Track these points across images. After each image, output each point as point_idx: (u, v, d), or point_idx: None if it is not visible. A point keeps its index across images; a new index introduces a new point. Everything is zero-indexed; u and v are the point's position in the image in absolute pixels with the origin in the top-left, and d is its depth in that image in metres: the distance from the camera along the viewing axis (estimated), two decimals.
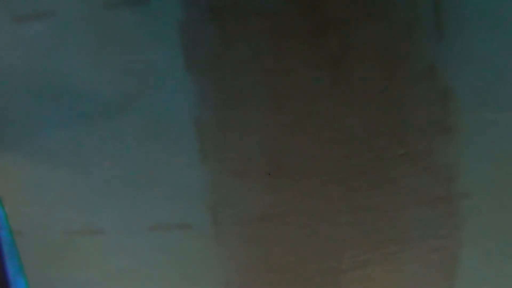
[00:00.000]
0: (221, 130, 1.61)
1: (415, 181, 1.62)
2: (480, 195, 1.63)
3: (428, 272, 1.73)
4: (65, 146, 1.64)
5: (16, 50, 1.56)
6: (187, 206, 1.68)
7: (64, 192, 1.69)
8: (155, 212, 1.69)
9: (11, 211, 1.67)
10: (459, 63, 1.52)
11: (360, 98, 1.56)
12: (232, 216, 1.68)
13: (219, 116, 1.59)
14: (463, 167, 1.61)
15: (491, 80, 1.53)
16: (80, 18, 1.53)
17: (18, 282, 1.41)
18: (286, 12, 1.50)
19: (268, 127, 1.60)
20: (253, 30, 1.52)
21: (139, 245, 1.73)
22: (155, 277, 1.76)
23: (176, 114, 1.59)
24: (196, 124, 1.60)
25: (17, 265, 1.42)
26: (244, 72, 1.55)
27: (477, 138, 1.58)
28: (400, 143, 1.59)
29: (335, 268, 1.72)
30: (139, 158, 1.64)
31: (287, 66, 1.54)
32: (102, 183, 1.67)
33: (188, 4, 1.50)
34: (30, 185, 1.68)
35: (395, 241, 1.69)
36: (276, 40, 1.52)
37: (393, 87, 1.55)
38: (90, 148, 1.64)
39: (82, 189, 1.68)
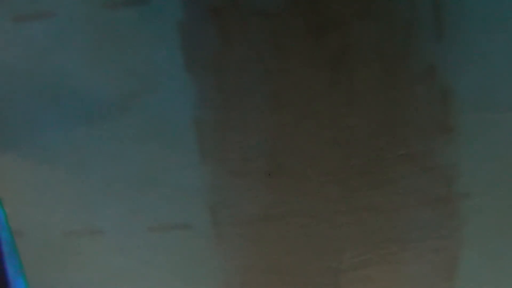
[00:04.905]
0: (221, 130, 1.61)
1: (415, 181, 1.62)
2: (480, 195, 1.63)
3: (428, 272, 1.73)
4: (65, 146, 1.64)
5: (16, 50, 1.56)
6: (187, 206, 1.68)
7: (64, 192, 1.69)
8: (155, 212, 1.69)
9: (11, 211, 1.67)
10: (459, 63, 1.52)
11: (360, 98, 1.56)
12: (232, 216, 1.68)
13: (219, 116, 1.59)
14: (463, 167, 1.61)
15: (491, 80, 1.53)
16: (80, 18, 1.53)
17: (18, 282, 1.41)
18: (286, 12, 1.50)
19: (268, 127, 1.60)
20: (253, 30, 1.52)
21: (139, 245, 1.73)
22: (155, 277, 1.76)
23: (176, 114, 1.59)
24: (196, 124, 1.60)
25: (17, 265, 1.42)
26: (244, 72, 1.55)
27: (477, 138, 1.58)
28: (400, 143, 1.59)
29: (335, 268, 1.72)
30: (139, 158, 1.64)
31: (287, 66, 1.54)
32: (102, 184, 1.67)
33: (188, 4, 1.50)
34: (30, 185, 1.68)
35: (395, 241, 1.69)
36: (276, 40, 1.52)
37: (393, 87, 1.55)
38: (90, 148, 1.64)
39: (82, 190, 1.68)
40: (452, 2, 1.47)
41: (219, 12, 1.51)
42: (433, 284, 1.74)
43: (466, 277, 1.73)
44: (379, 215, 1.66)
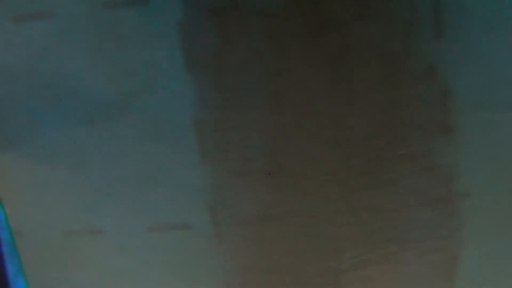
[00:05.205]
0: (221, 130, 1.61)
1: (415, 181, 1.62)
2: (480, 195, 1.63)
3: (428, 272, 1.73)
4: (65, 146, 1.64)
5: (16, 50, 1.56)
6: (187, 206, 1.68)
7: (64, 192, 1.69)
8: (155, 212, 1.69)
9: (11, 211, 1.67)
10: (459, 63, 1.52)
11: (360, 98, 1.56)
12: (232, 216, 1.68)
13: (219, 116, 1.59)
14: (463, 167, 1.61)
15: (491, 80, 1.53)
16: (80, 18, 1.53)
17: (18, 282, 1.41)
18: (286, 12, 1.50)
19: (268, 127, 1.60)
20: (253, 30, 1.52)
21: (139, 245, 1.73)
22: (155, 277, 1.76)
23: (176, 114, 1.59)
24: (196, 125, 1.60)
25: (17, 265, 1.42)
26: (244, 72, 1.55)
27: (477, 138, 1.58)
28: (400, 143, 1.59)
29: (335, 268, 1.72)
30: (139, 158, 1.64)
31: (287, 66, 1.54)
32: (102, 183, 1.67)
33: (188, 4, 1.50)
34: (30, 185, 1.68)
35: (395, 241, 1.69)
36: (276, 40, 1.52)
37: (393, 87, 1.55)
38: (90, 148, 1.64)
39: (82, 190, 1.68)
40: (452, 2, 1.47)
41: (219, 12, 1.51)
42: (433, 284, 1.74)
43: (466, 277, 1.73)
44: (379, 215, 1.66)
